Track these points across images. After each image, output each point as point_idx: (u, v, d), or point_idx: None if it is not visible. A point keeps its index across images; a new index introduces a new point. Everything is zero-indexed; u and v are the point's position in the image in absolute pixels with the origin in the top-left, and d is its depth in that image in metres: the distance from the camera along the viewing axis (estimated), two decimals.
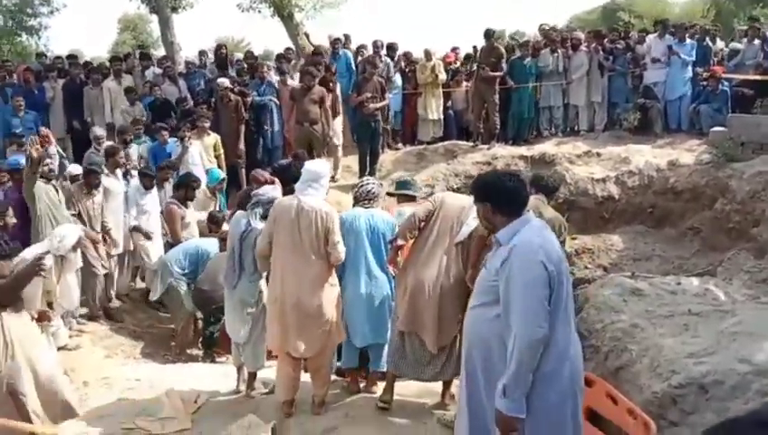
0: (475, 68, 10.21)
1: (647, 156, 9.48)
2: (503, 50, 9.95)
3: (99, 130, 8.17)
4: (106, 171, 6.77)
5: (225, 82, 9.09)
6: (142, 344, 6.67)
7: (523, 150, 10.07)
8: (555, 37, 10.90)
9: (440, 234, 4.24)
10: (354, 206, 4.78)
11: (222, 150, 8.72)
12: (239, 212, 4.93)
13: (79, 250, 5.41)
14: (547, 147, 10.25)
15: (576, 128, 10.90)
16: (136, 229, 6.88)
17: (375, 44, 10.59)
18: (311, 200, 4.28)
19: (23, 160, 5.93)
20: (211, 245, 6.34)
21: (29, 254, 4.40)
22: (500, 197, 2.85)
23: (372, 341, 4.67)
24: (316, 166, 4.59)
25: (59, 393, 3.92)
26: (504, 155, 9.87)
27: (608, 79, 10.59)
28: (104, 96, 9.65)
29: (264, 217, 4.60)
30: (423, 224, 4.25)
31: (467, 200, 4.09)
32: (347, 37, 10.94)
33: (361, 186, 4.80)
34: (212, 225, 6.81)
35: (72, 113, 9.73)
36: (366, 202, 4.70)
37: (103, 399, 4.97)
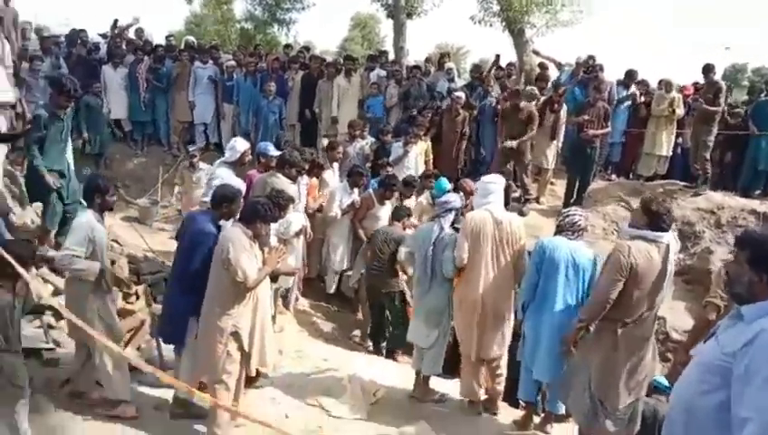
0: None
1: None
2: (723, 86, 8.99)
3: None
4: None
5: (461, 97, 9.23)
6: (333, 326, 7.16)
7: (756, 204, 8.99)
8: None
9: (650, 308, 3.95)
10: (556, 234, 4.64)
11: (431, 156, 8.99)
12: (428, 222, 5.15)
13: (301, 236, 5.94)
14: None
15: None
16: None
17: (596, 67, 10.19)
18: (502, 212, 4.76)
19: (272, 150, 6.58)
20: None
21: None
22: None
23: (550, 377, 4.51)
24: (491, 178, 5.09)
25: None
26: (733, 206, 8.89)
27: None
28: (334, 91, 10.41)
29: (453, 224, 4.96)
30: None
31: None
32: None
33: (567, 216, 4.64)
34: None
35: (306, 103, 10.67)
36: (570, 233, 4.53)
37: (294, 370, 5.41)
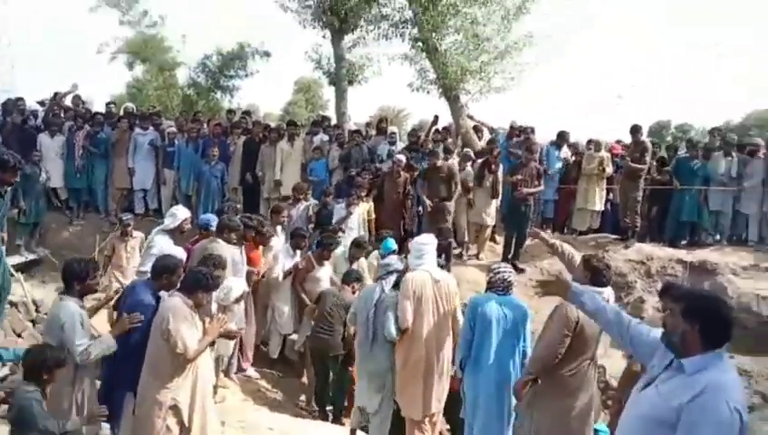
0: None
1: None
2: (648, 145, 9.66)
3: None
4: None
5: (402, 159, 9.52)
6: (278, 392, 7.05)
7: (683, 254, 9.50)
8: (731, 141, 10.34)
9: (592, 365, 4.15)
10: (487, 291, 4.80)
11: (373, 216, 9.16)
12: (371, 283, 5.26)
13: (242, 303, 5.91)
14: (709, 254, 9.59)
15: (744, 237, 10.10)
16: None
17: (526, 130, 10.76)
18: (438, 272, 5.04)
19: (214, 224, 6.49)
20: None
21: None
22: (715, 324, 2.60)
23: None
24: (424, 238, 5.39)
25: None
26: (661, 256, 9.37)
27: None
28: (277, 155, 10.56)
29: (394, 285, 5.08)
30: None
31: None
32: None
33: (497, 272, 4.81)
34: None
35: (248, 167, 10.75)
36: (500, 289, 4.71)
37: None
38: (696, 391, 2.49)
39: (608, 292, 4.16)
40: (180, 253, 5.72)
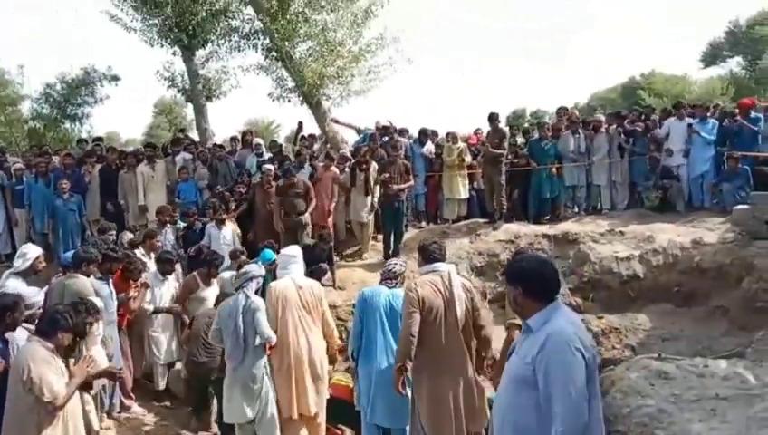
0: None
1: (670, 234, 9.47)
2: (506, 131, 10.33)
3: (127, 236, 8.47)
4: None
5: (270, 169, 9.46)
6: (167, 425, 6.69)
7: (546, 229, 10.14)
8: (576, 119, 11.20)
9: (448, 329, 4.31)
10: (380, 284, 4.93)
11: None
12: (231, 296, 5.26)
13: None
14: (570, 225, 10.32)
15: (599, 206, 10.99)
16: (155, 312, 6.84)
17: (388, 129, 10.99)
18: (303, 279, 5.26)
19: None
20: None
21: None
22: (533, 281, 2.83)
23: (391, 425, 4.69)
24: (290, 250, 5.64)
25: None
26: (528, 233, 9.94)
27: (628, 160, 10.75)
28: (138, 180, 10.08)
29: (256, 291, 5.19)
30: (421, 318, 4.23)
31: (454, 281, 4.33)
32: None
33: (387, 265, 5.06)
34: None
35: (107, 196, 10.17)
36: (389, 281, 4.86)
37: None
38: (540, 342, 2.70)
39: (445, 266, 4.45)
40: (36, 293, 5.29)
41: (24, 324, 4.35)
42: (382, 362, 4.64)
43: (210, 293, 6.91)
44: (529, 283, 2.83)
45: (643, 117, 11.73)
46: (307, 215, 9.06)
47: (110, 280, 6.00)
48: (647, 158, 10.55)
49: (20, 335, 4.18)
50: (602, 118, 11.37)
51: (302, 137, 10.93)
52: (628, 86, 36.27)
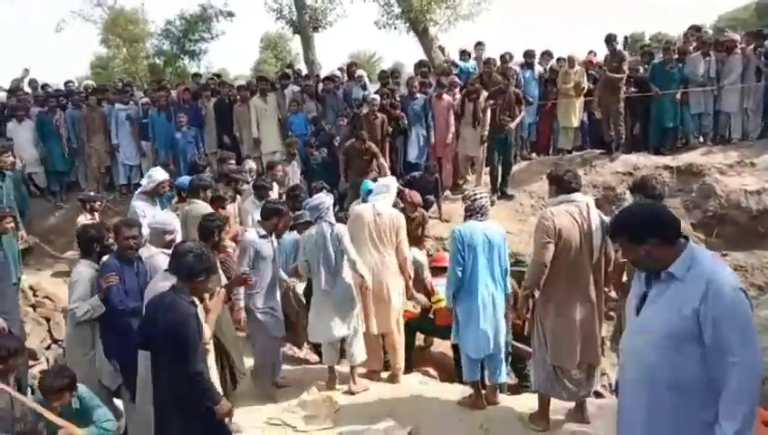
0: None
1: None
2: (625, 54, 9.54)
3: (249, 164, 8.66)
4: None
5: (377, 99, 9.37)
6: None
7: (668, 160, 9.53)
8: (707, 40, 10.20)
9: (581, 262, 4.17)
10: (466, 219, 4.79)
11: None
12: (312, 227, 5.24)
13: None
14: (695, 156, 9.63)
15: (728, 136, 10.10)
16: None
17: (503, 57, 10.41)
18: (384, 207, 5.41)
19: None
20: None
21: None
22: (666, 227, 2.58)
23: (489, 352, 4.70)
24: (386, 180, 5.88)
25: None
26: (648, 165, 9.39)
27: (765, 84, 9.72)
28: (251, 113, 10.36)
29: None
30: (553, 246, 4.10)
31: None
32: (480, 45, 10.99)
33: (474, 199, 4.76)
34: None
35: (223, 129, 10.57)
36: (479, 215, 4.71)
37: (250, 392, 5.32)
38: (701, 292, 2.46)
39: (581, 196, 4.23)
40: (172, 218, 5.46)
41: (162, 249, 4.52)
42: (483, 298, 4.60)
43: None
44: (663, 230, 2.58)
45: None
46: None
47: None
48: None
49: (159, 258, 4.42)
50: (737, 37, 10.26)
51: (420, 62, 10.65)
52: (764, 2, 32.53)
